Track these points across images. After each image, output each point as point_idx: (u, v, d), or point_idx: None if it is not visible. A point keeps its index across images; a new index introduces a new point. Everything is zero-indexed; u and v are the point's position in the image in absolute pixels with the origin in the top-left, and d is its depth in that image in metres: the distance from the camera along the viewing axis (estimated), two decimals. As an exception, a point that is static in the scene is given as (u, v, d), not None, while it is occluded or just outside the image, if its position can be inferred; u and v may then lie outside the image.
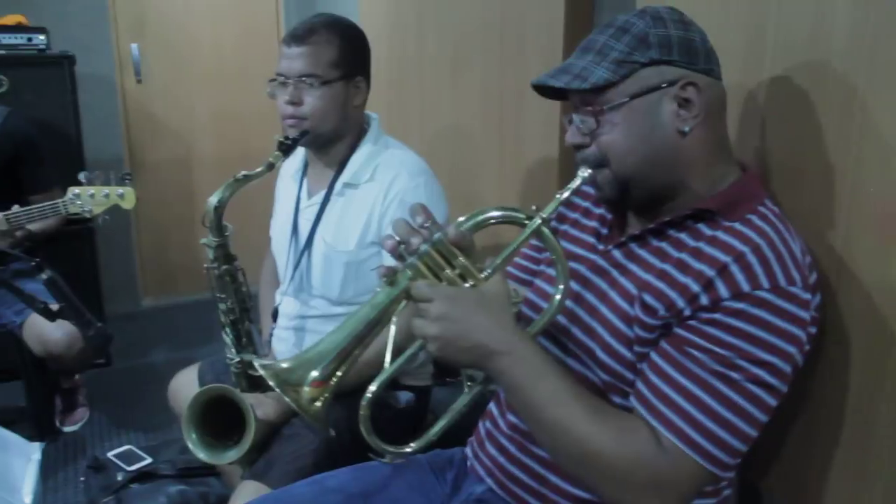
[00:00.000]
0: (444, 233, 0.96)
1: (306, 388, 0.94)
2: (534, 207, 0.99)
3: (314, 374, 0.95)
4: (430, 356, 1.03)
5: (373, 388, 0.99)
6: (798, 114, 1.10)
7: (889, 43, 0.96)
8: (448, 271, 0.96)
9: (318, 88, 1.53)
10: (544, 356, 0.97)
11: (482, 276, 0.97)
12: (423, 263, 0.95)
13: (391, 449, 1.01)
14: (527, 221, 0.99)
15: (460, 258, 0.96)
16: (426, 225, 0.96)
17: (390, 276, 0.96)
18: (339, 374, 0.96)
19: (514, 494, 1.12)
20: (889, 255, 0.98)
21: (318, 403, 0.95)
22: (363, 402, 0.99)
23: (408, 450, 1.02)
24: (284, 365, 0.97)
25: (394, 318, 0.98)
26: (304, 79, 1.52)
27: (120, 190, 1.95)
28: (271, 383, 0.93)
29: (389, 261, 1.02)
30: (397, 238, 0.96)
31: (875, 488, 1.02)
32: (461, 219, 0.99)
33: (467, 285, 0.96)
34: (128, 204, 1.98)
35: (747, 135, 1.20)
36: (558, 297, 1.00)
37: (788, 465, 1.16)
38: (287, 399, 0.93)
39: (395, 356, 1.51)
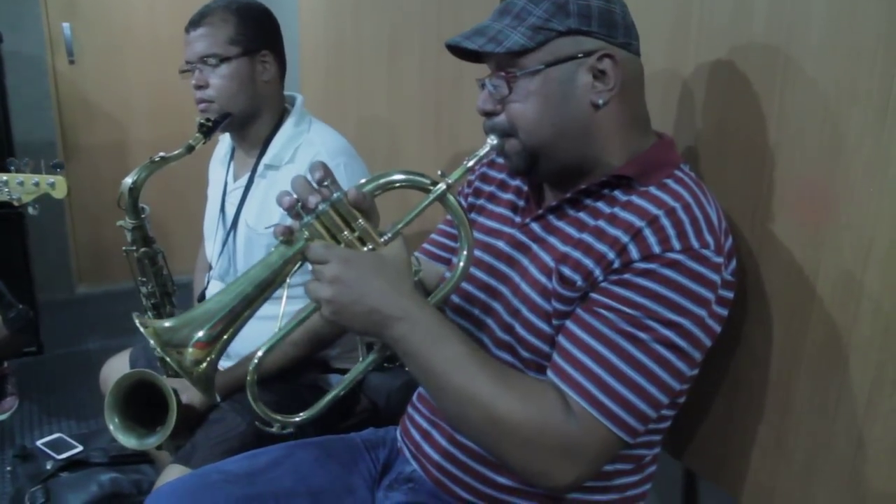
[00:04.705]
0: (344, 193, 0.91)
1: (190, 350, 0.89)
2: (439, 172, 0.95)
3: (199, 334, 0.90)
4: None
5: (260, 353, 0.96)
6: (721, 95, 1.12)
7: (805, 28, 0.98)
8: (346, 233, 0.92)
9: (219, 67, 1.53)
10: (443, 322, 0.93)
11: (382, 240, 0.93)
12: (321, 224, 0.91)
13: (279, 418, 0.98)
14: (431, 187, 0.95)
15: (360, 220, 0.92)
16: (325, 183, 0.92)
17: (286, 236, 0.92)
18: (225, 336, 0.92)
19: (437, 480, 1.11)
20: (805, 236, 1.00)
21: (203, 366, 0.90)
22: (250, 368, 0.95)
23: (296, 419, 0.99)
24: (167, 324, 0.91)
25: (288, 280, 0.93)
26: (204, 60, 1.53)
27: (51, 179, 1.88)
28: (152, 342, 0.88)
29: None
30: (294, 195, 0.92)
31: (793, 465, 1.05)
32: (363, 180, 0.96)
33: (366, 249, 0.93)
34: (59, 194, 1.91)
35: (672, 114, 1.22)
36: (461, 263, 0.97)
37: (709, 443, 1.19)
38: (168, 360, 0.88)
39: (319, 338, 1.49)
